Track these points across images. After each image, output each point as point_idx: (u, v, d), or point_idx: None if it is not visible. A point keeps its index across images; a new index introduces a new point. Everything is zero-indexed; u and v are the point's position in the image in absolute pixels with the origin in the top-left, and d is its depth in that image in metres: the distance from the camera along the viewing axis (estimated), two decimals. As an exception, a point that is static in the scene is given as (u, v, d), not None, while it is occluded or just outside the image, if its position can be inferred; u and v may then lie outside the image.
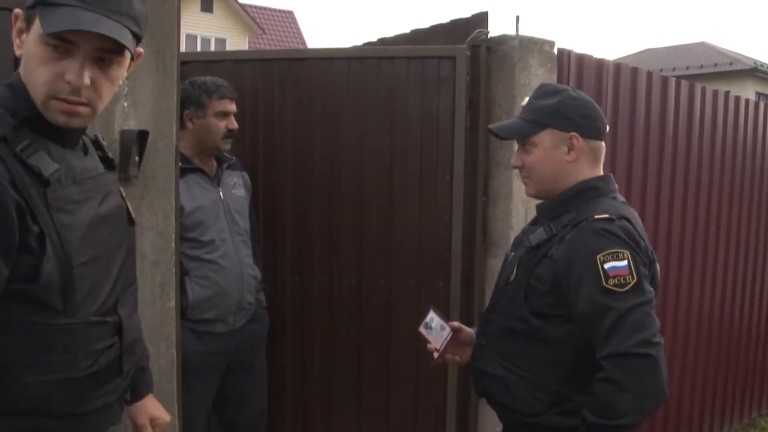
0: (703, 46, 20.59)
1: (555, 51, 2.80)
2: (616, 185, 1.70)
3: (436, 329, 1.83)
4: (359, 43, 3.69)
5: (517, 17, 2.77)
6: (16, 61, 1.18)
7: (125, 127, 1.82)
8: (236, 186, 2.57)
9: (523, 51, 2.68)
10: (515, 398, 1.60)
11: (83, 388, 1.18)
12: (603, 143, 1.68)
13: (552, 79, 2.75)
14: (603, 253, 1.46)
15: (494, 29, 3.31)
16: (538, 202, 1.74)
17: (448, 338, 1.80)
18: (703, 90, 3.60)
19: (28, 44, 1.12)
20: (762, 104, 4.07)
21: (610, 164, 2.99)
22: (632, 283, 1.44)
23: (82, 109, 1.14)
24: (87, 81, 1.11)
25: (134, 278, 1.36)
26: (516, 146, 1.74)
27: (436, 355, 1.82)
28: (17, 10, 1.15)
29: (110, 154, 1.34)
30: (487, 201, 2.78)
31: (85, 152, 1.26)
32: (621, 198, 1.67)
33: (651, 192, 3.33)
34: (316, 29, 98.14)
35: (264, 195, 2.82)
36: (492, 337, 1.69)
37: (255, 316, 2.56)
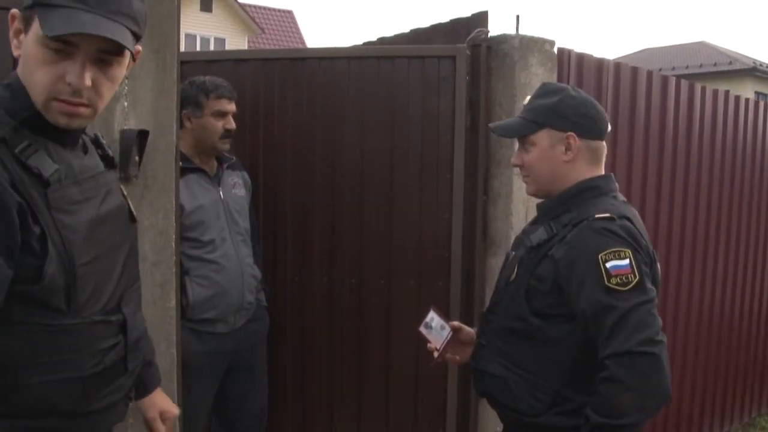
0: (702, 45, 20.61)
1: (555, 50, 2.79)
2: (617, 184, 1.70)
3: (436, 329, 1.83)
4: (359, 42, 3.69)
5: (517, 16, 2.77)
6: (14, 60, 1.17)
7: (125, 127, 1.81)
8: (236, 186, 2.57)
9: (524, 50, 2.68)
10: (515, 398, 1.60)
11: (89, 387, 1.18)
12: (603, 143, 1.68)
13: (552, 78, 2.74)
14: (604, 252, 1.46)
15: (494, 29, 3.32)
16: (539, 201, 1.74)
17: (449, 338, 1.80)
18: (703, 89, 3.60)
19: (27, 45, 1.11)
20: (762, 103, 4.07)
21: (611, 163, 2.99)
22: (634, 282, 1.44)
23: (83, 110, 1.14)
24: (88, 82, 1.11)
25: (137, 276, 1.36)
26: (516, 145, 1.74)
27: (436, 354, 1.82)
28: (14, 11, 1.14)
29: (110, 152, 1.33)
30: (487, 200, 2.78)
31: (85, 151, 1.26)
32: (622, 197, 1.67)
33: (651, 191, 3.33)
34: (316, 29, 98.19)
35: (264, 195, 2.82)
36: (492, 336, 1.69)
37: (255, 316, 2.56)
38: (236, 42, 24.17)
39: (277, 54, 3.02)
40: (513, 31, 2.71)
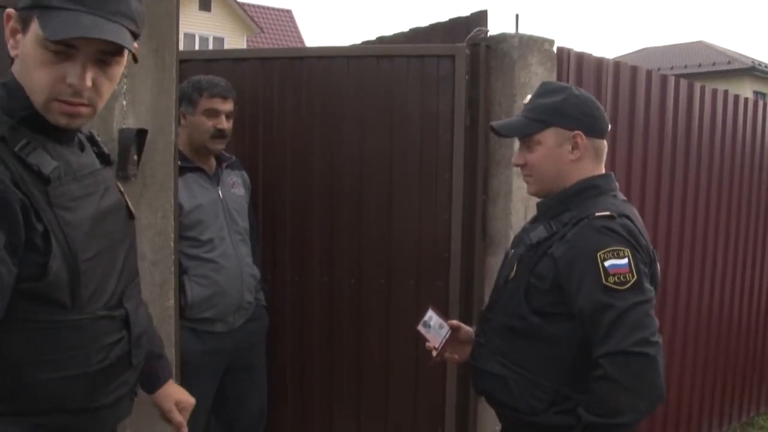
0: (701, 45, 20.61)
1: (555, 49, 2.79)
2: (617, 184, 1.70)
3: (434, 328, 1.83)
4: (358, 42, 3.69)
5: (517, 16, 2.78)
6: (10, 59, 1.17)
7: (124, 126, 1.81)
8: (236, 185, 2.56)
9: (523, 49, 2.68)
10: (514, 397, 1.60)
11: (96, 382, 1.19)
12: (605, 141, 1.69)
13: (552, 77, 2.74)
14: (603, 251, 1.46)
15: (494, 28, 3.31)
16: (539, 200, 1.74)
17: (447, 336, 1.80)
18: (702, 89, 3.60)
19: (26, 46, 1.11)
20: (760, 103, 4.07)
21: (610, 163, 2.99)
22: (632, 282, 1.44)
23: (83, 110, 1.15)
24: (89, 83, 1.11)
25: (137, 272, 1.37)
26: (516, 145, 1.74)
27: (434, 353, 1.82)
28: (9, 10, 1.14)
29: (106, 150, 1.34)
30: (486, 200, 2.78)
31: (81, 149, 1.26)
32: (622, 196, 1.67)
33: (650, 190, 3.33)
34: (315, 28, 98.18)
35: (263, 194, 2.82)
36: (491, 335, 1.69)
37: (254, 316, 2.56)
38: (235, 41, 24.16)
39: (276, 53, 3.01)
40: (512, 30, 2.71)
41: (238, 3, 24.59)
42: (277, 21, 27.28)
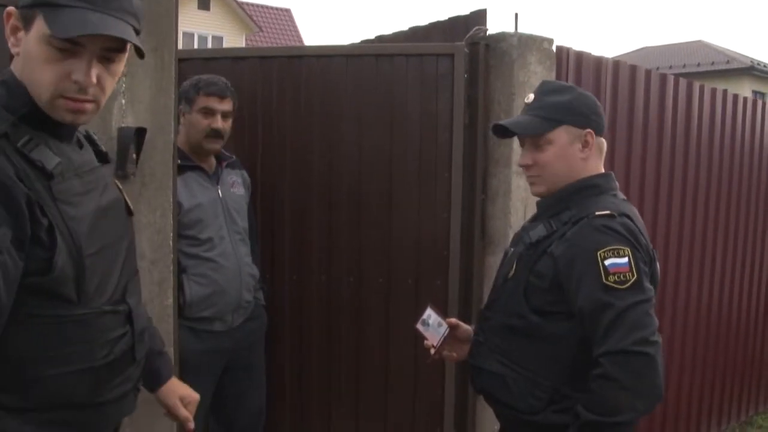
0: (700, 44, 20.62)
1: (554, 48, 2.79)
2: (617, 183, 1.70)
3: (433, 326, 1.83)
4: (357, 41, 3.68)
5: (516, 14, 2.77)
6: (9, 56, 1.18)
7: (123, 125, 1.81)
8: (235, 184, 2.56)
9: (522, 48, 2.68)
10: (513, 395, 1.59)
11: (101, 377, 1.19)
12: (604, 140, 1.70)
13: (551, 76, 2.74)
14: (603, 250, 1.46)
15: (493, 27, 3.31)
16: (538, 199, 1.74)
17: (445, 335, 1.80)
18: (702, 88, 3.60)
19: (29, 44, 1.12)
20: (759, 102, 4.08)
21: (609, 162, 2.99)
22: (632, 281, 1.44)
23: (88, 106, 1.16)
24: (95, 80, 1.13)
25: (137, 269, 1.38)
26: (515, 144, 1.73)
27: (432, 351, 1.81)
28: (10, 8, 1.14)
29: (103, 148, 1.34)
30: (485, 199, 2.77)
31: (80, 146, 1.27)
32: (621, 195, 1.67)
33: (649, 190, 3.33)
34: (313, 27, 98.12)
35: (262, 193, 2.81)
36: (490, 333, 1.69)
37: (253, 315, 2.55)
38: (234, 40, 24.14)
39: (274, 52, 3.01)
40: (511, 29, 2.71)
41: (237, 2, 24.57)
42: (276, 20, 27.26)
